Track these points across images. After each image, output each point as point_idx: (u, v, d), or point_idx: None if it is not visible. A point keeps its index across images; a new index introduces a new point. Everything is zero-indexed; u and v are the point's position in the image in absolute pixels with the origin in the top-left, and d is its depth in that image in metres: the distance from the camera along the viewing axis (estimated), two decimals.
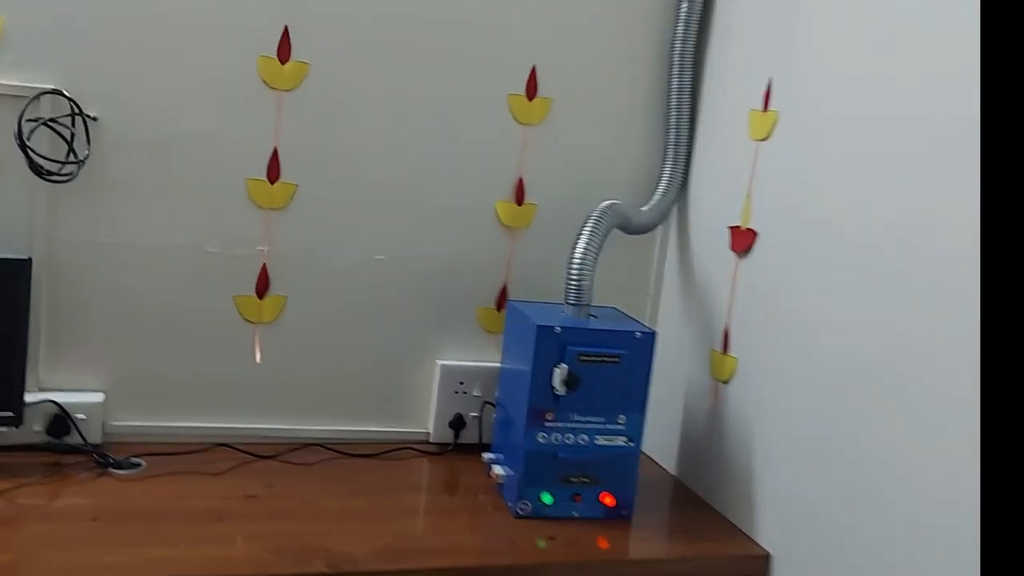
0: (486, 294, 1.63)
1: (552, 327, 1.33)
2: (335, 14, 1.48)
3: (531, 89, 1.59)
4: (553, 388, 1.33)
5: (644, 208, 1.60)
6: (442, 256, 1.59)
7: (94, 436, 1.44)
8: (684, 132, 1.63)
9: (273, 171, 1.49)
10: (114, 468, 1.39)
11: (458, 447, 1.60)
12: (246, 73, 1.45)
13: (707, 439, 1.51)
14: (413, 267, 1.58)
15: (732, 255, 1.48)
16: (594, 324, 1.39)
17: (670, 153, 1.63)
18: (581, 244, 1.43)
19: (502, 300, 1.64)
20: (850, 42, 1.26)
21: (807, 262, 1.31)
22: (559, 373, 1.32)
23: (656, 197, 1.63)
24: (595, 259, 1.43)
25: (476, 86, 1.56)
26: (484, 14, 1.54)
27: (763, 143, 1.43)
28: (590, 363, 1.33)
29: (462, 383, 1.60)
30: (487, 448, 1.55)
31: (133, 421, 1.49)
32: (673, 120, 1.63)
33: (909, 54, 1.15)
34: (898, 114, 1.16)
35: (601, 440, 1.36)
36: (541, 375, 1.33)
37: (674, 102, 1.62)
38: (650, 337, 1.36)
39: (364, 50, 1.50)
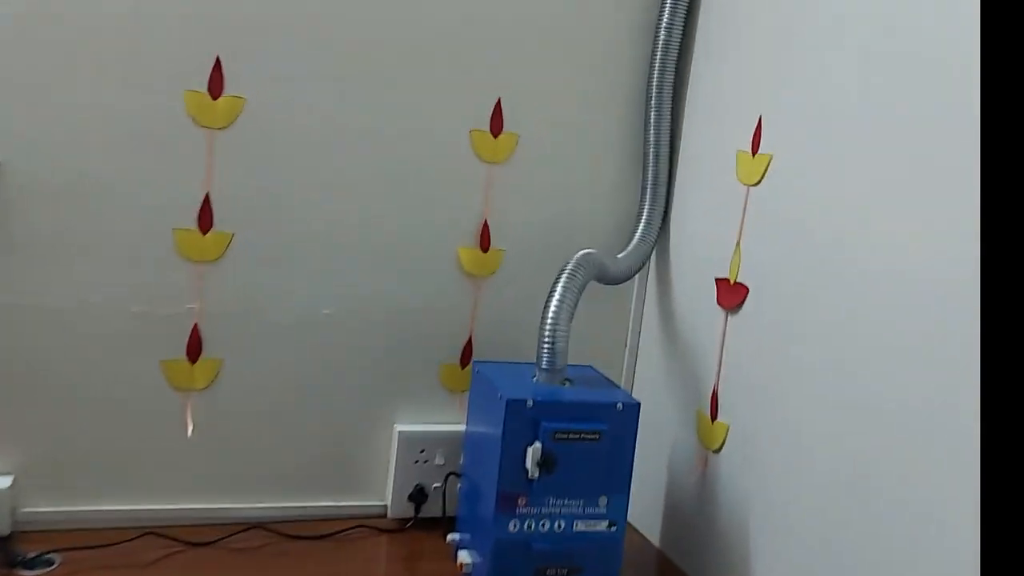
0: (449, 350, 1.48)
1: (523, 401, 1.18)
2: (274, 43, 1.31)
3: (496, 124, 1.44)
4: (526, 470, 1.18)
5: (621, 255, 1.45)
6: (399, 309, 1.43)
7: (2, 527, 1.25)
8: (663, 170, 1.49)
9: (205, 219, 1.31)
10: (23, 568, 1.21)
11: (419, 522, 1.44)
12: (172, 109, 1.27)
13: (696, 512, 1.37)
14: (367, 322, 1.42)
15: (720, 310, 1.34)
16: (570, 395, 1.24)
17: (648, 193, 1.49)
18: (554, 302, 1.28)
19: (467, 356, 1.48)
20: (849, 77, 1.13)
21: (807, 323, 1.17)
22: (532, 454, 1.17)
23: (634, 242, 1.48)
24: (569, 318, 1.28)
25: (435, 121, 1.40)
26: (443, 42, 1.39)
27: (755, 188, 1.29)
28: (567, 441, 1.18)
29: (423, 451, 1.44)
30: (452, 522, 1.40)
31: (47, 507, 1.30)
32: (651, 156, 1.48)
33: (913, 86, 1.02)
34: (908, 157, 1.03)
35: (580, 526, 1.21)
36: (512, 455, 1.18)
37: (652, 137, 1.48)
38: (634, 409, 1.22)
39: (307, 82, 1.33)
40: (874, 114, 1.09)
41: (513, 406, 1.17)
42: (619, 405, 1.21)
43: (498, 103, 1.43)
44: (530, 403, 1.18)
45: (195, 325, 1.33)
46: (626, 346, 1.58)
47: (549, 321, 1.27)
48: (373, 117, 1.37)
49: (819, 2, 1.19)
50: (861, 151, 1.10)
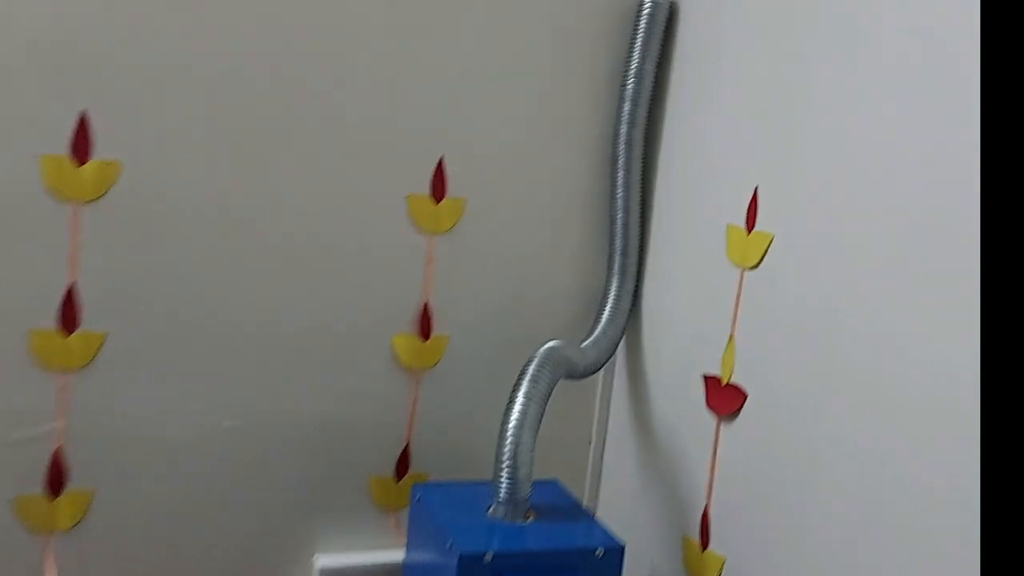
0: (381, 459, 1.22)
1: (479, 555, 0.93)
2: (157, 92, 1.04)
3: (438, 187, 1.19)
4: None
5: (586, 343, 1.22)
6: (320, 412, 1.17)
7: None
8: (634, 239, 1.27)
9: (68, 317, 1.03)
10: None
11: None
12: (23, 179, 0.99)
13: None
14: (279, 432, 1.15)
15: (711, 416, 1.12)
16: (536, 538, 1.00)
17: (616, 265, 1.27)
18: (515, 415, 1.04)
19: (403, 466, 1.23)
20: (869, 142, 0.93)
21: (818, 436, 0.96)
22: None
23: (601, 324, 1.25)
24: (534, 434, 1.04)
25: (363, 184, 1.15)
26: (373, 88, 1.14)
27: (751, 272, 1.08)
28: None
29: None
30: None
31: None
32: (620, 223, 1.26)
33: (943, 154, 0.82)
34: (934, 239, 0.83)
35: None
36: None
37: (620, 201, 1.26)
38: (616, 554, 0.98)
39: (200, 142, 1.06)
40: (897, 189, 0.89)
41: (468, 562, 0.92)
42: (599, 551, 0.97)
43: (440, 162, 1.19)
44: (488, 557, 0.93)
45: (57, 449, 1.05)
46: (590, 443, 1.35)
47: (509, 439, 1.03)
48: (284, 181, 1.11)
49: (829, 47, 0.99)
50: (882, 233, 0.90)
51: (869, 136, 0.93)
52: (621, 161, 1.25)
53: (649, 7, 1.21)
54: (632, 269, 1.27)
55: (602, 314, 1.27)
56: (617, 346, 1.28)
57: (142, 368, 1.07)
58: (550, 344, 1.13)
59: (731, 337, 1.10)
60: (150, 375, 1.08)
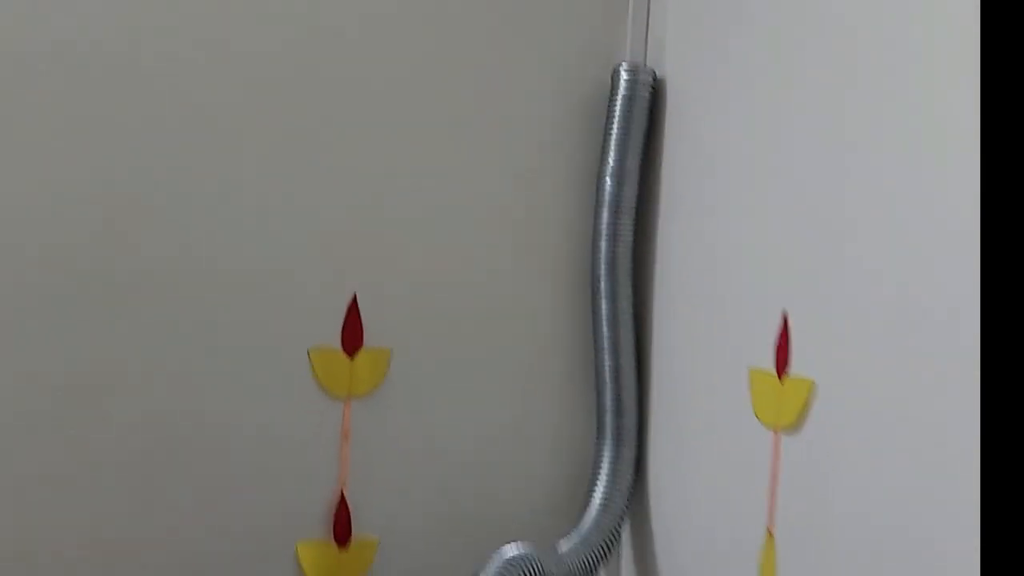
0: None
1: None
2: None
3: (352, 337, 0.88)
4: None
5: (566, 548, 0.87)
6: None
7: None
8: (629, 392, 0.93)
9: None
10: None
11: None
12: None
13: None
14: None
15: None
16: None
17: (609, 430, 0.93)
18: None
19: None
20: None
21: None
22: None
23: (591, 515, 0.90)
24: None
25: (249, 337, 0.86)
26: (268, 211, 0.86)
27: (791, 436, 0.73)
28: None
29: None
30: None
31: None
32: (608, 370, 0.93)
33: None
34: None
35: None
36: None
37: (607, 343, 0.93)
38: None
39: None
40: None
41: None
42: None
43: (353, 303, 0.88)
44: None
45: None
46: None
47: None
48: (140, 344, 0.83)
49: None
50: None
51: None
52: (603, 287, 0.94)
53: (626, 86, 0.93)
54: (630, 432, 0.93)
55: (592, 499, 0.91)
56: (616, 543, 0.92)
57: None
58: (511, 550, 0.78)
59: (769, 534, 0.74)
60: None
